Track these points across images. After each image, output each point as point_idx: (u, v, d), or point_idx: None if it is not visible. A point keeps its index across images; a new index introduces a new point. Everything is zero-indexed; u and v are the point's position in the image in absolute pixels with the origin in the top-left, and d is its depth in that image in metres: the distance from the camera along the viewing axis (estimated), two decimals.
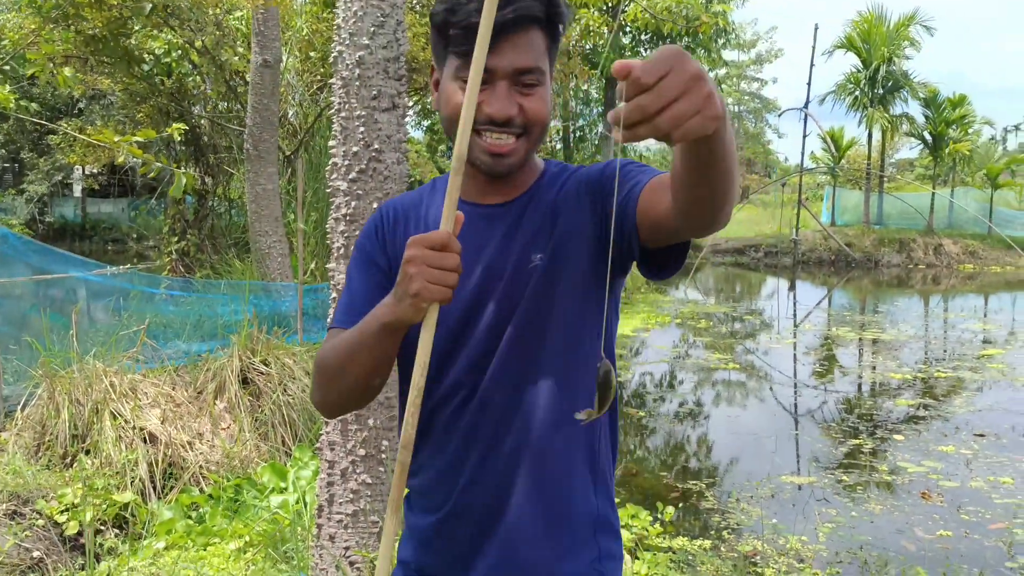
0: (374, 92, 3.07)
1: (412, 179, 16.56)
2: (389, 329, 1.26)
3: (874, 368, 9.59)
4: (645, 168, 1.34)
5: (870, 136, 25.15)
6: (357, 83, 3.06)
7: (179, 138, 7.31)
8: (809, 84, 23.01)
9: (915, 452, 6.30)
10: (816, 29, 27.80)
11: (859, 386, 8.78)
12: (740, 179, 1.16)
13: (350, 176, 3.08)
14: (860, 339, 11.54)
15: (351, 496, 3.17)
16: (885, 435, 6.78)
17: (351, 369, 1.36)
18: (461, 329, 1.39)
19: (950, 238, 23.50)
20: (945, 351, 10.66)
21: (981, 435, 6.73)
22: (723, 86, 51.21)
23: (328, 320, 3.15)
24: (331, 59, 3.21)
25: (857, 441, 6.59)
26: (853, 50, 24.43)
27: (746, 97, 53.68)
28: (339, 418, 3.16)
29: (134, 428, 4.89)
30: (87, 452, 4.79)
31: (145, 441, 4.87)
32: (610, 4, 14.19)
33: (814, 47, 23.66)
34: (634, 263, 1.38)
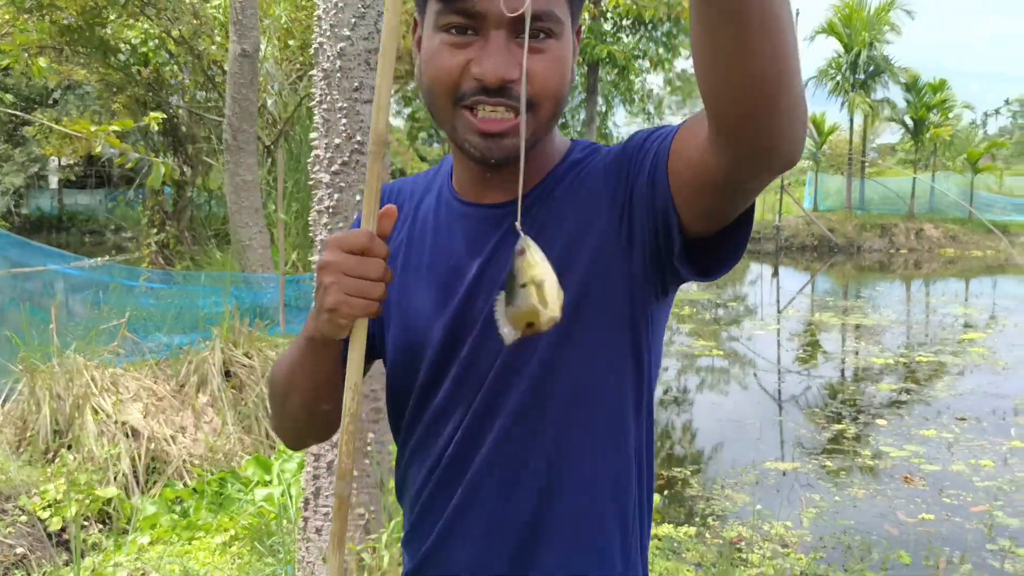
0: (355, 84, 3.04)
1: (393, 167, 16.49)
2: (316, 345, 1.04)
3: (857, 353, 9.66)
4: (675, 127, 0.99)
5: (851, 121, 25.28)
6: (338, 75, 3.03)
7: (157, 128, 7.26)
8: None
9: (897, 436, 6.36)
10: (797, 14, 27.84)
11: (842, 371, 8.84)
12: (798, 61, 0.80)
13: (332, 168, 3.05)
14: (843, 324, 11.61)
15: None
16: (868, 420, 6.83)
17: (292, 394, 1.14)
18: (446, 356, 1.09)
19: (931, 223, 23.68)
20: (927, 335, 10.75)
21: (962, 419, 6.80)
22: None
23: None
24: (312, 51, 3.17)
25: (840, 426, 6.64)
26: (834, 35, 24.51)
27: None
28: None
29: (116, 423, 4.85)
30: (69, 447, 4.75)
31: (127, 435, 4.83)
32: None
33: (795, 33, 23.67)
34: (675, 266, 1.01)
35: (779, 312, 13.03)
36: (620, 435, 1.09)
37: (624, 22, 20.96)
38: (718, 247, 0.98)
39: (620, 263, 1.03)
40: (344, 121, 3.05)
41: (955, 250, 22.27)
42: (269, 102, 10.30)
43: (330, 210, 3.09)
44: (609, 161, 1.07)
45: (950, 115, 25.71)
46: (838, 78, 24.47)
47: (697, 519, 4.85)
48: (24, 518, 4.12)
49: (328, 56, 3.06)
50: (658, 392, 7.98)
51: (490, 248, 1.08)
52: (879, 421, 6.79)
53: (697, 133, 0.89)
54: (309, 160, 3.20)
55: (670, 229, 0.96)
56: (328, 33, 3.07)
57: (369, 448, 3.18)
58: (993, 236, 21.64)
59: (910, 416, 6.93)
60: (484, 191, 1.09)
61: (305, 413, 1.14)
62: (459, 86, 0.99)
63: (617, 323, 1.05)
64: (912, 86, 24.76)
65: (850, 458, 5.91)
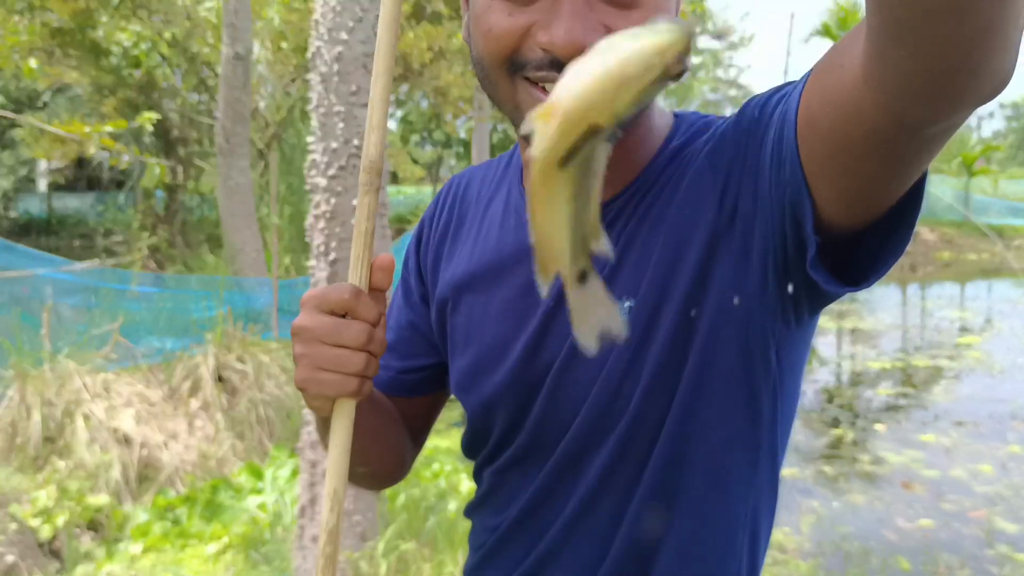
0: (353, 87, 3.01)
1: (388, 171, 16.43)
2: (321, 417, 0.85)
3: (853, 357, 9.65)
4: (802, 80, 0.70)
5: None
6: (336, 79, 2.99)
7: (150, 128, 7.19)
8: (786, 73, 23.04)
9: (896, 442, 6.33)
10: (792, 17, 27.93)
11: (839, 376, 8.83)
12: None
13: (329, 173, 3.01)
14: (839, 328, 11.61)
15: None
16: (866, 425, 6.81)
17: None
18: (524, 393, 0.87)
19: (927, 226, 23.73)
20: (923, 339, 10.75)
21: (960, 423, 6.78)
22: (700, 73, 51.48)
23: None
24: (309, 55, 3.14)
25: (838, 432, 6.62)
26: (829, 37, 24.58)
27: (722, 84, 53.95)
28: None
29: (108, 429, 4.80)
30: (59, 454, 4.69)
31: (119, 442, 4.77)
32: None
33: (790, 36, 23.79)
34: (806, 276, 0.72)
35: None
36: (725, 501, 0.85)
37: None
38: (871, 244, 0.70)
39: (733, 276, 0.78)
40: (341, 125, 3.01)
41: (951, 253, 22.32)
42: (262, 105, 10.25)
43: (327, 215, 3.05)
44: (716, 144, 0.81)
45: None
46: None
47: None
48: (14, 526, 4.06)
49: (325, 60, 3.02)
50: None
51: None
52: (877, 426, 6.77)
53: (843, 63, 0.61)
54: (306, 164, 3.17)
55: (802, 225, 0.69)
56: (325, 37, 3.03)
57: None
58: (988, 240, 21.71)
59: (908, 421, 6.91)
60: None
61: (353, 476, 0.89)
62: (519, 54, 0.75)
63: (726, 358, 0.80)
64: None
65: (848, 464, 5.88)
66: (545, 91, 0.74)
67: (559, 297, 0.83)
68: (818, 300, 0.80)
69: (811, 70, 0.68)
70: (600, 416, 0.83)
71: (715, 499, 0.85)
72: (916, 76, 0.54)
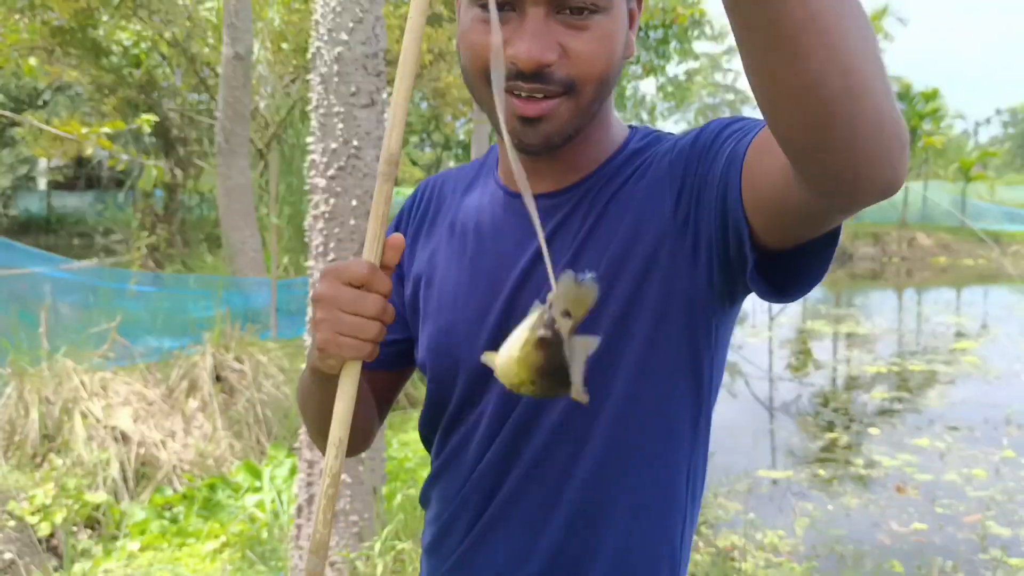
0: (353, 88, 3.03)
1: None
2: (318, 376, 0.96)
3: (849, 361, 9.68)
4: (759, 122, 0.83)
5: None
6: (336, 79, 3.01)
7: (149, 130, 7.21)
8: None
9: (890, 445, 6.36)
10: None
11: (834, 380, 8.86)
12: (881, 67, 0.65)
13: (329, 173, 3.03)
14: (835, 333, 11.64)
15: None
16: (860, 429, 6.84)
17: (307, 419, 1.11)
18: (482, 373, 0.95)
19: (923, 231, 23.78)
20: (919, 344, 10.78)
21: (955, 428, 6.81)
22: (698, 78, 51.54)
23: None
24: (309, 55, 3.16)
25: (833, 435, 6.64)
26: None
27: (720, 89, 54.03)
28: None
29: (105, 427, 4.81)
30: (57, 452, 4.70)
31: (117, 440, 4.79)
32: None
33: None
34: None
35: (771, 319, 13.06)
36: (672, 456, 0.98)
37: None
38: (796, 265, 0.84)
39: (681, 267, 0.92)
40: (341, 126, 3.03)
41: (947, 259, 22.37)
42: (262, 105, 10.27)
43: (326, 215, 3.07)
44: (676, 155, 0.94)
45: (942, 124, 25.85)
46: None
47: None
48: (12, 523, 4.07)
49: (325, 61, 3.04)
50: None
51: (534, 243, 0.97)
52: (871, 430, 6.80)
53: (774, 152, 0.73)
54: (306, 165, 3.19)
55: (742, 245, 0.83)
56: (326, 38, 3.05)
57: (363, 455, 3.15)
58: (985, 245, 21.75)
59: (903, 425, 6.93)
60: (532, 180, 0.79)
61: (321, 439, 0.99)
62: (483, 70, 0.88)
63: (675, 330, 0.94)
64: (904, 95, 24.89)
65: (842, 467, 5.91)
66: (514, 95, 0.89)
67: (528, 271, 0.99)
68: (747, 293, 0.95)
69: (756, 137, 0.81)
70: None
71: (663, 455, 0.98)
72: (821, 187, 0.69)
